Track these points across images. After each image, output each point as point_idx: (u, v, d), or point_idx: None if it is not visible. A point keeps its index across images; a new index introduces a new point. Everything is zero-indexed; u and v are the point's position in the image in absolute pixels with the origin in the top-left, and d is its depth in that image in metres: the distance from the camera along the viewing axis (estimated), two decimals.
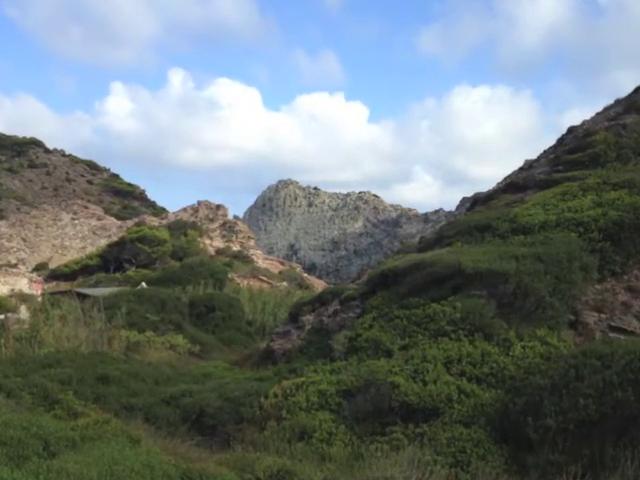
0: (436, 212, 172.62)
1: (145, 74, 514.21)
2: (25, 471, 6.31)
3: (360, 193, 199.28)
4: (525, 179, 22.26)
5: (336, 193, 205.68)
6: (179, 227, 68.40)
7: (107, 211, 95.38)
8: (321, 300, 18.55)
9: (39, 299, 32.58)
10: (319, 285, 62.51)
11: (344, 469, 9.06)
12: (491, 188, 26.79)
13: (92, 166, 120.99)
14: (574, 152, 21.94)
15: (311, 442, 10.16)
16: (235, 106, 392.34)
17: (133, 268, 57.77)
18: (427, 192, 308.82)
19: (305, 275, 74.14)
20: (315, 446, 9.99)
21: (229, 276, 49.74)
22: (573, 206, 16.65)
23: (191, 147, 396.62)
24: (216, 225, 76.05)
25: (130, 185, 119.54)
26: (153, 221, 77.01)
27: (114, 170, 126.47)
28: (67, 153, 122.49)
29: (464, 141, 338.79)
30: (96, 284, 49.49)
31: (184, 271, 44.44)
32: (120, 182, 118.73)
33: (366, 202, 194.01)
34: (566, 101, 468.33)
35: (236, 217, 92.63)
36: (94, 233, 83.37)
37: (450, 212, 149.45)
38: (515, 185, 22.14)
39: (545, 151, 26.58)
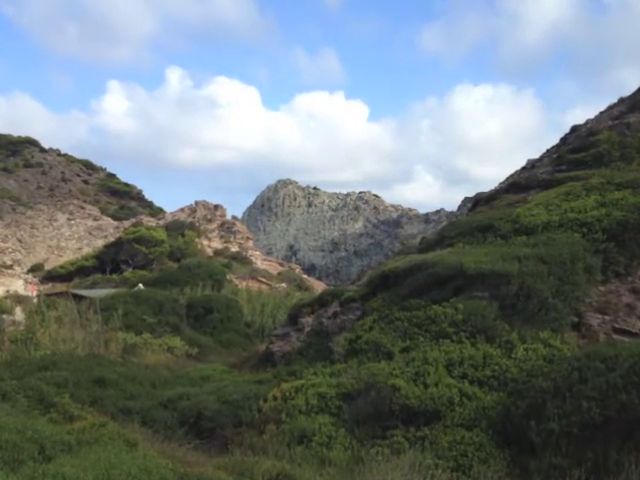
0: (437, 212, 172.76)
1: (142, 72, 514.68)
2: (20, 475, 6.31)
3: (360, 193, 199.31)
4: (528, 179, 22.28)
5: (336, 193, 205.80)
6: (177, 228, 68.42)
7: (103, 211, 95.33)
8: (321, 302, 18.55)
9: (35, 301, 32.57)
10: (319, 286, 62.50)
11: (344, 473, 9.06)
12: (493, 188, 26.84)
13: (88, 166, 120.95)
14: (577, 151, 21.96)
15: (311, 446, 10.16)
16: (234, 105, 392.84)
17: (130, 269, 57.79)
18: (428, 192, 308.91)
19: (304, 276, 74.18)
20: (315, 450, 9.99)
21: (227, 277, 49.76)
22: (576, 206, 16.66)
23: (189, 146, 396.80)
24: (214, 226, 76.05)
25: (127, 185, 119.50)
26: (150, 221, 77.01)
27: (111, 170, 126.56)
28: (63, 152, 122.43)
29: (466, 140, 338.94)
30: (92, 285, 49.52)
31: (182, 272, 44.46)
32: (117, 182, 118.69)
33: (366, 202, 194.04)
34: (569, 100, 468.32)
35: (234, 217, 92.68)
36: (90, 234, 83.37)
37: (451, 212, 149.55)
38: (517, 185, 22.15)
39: (548, 150, 26.63)
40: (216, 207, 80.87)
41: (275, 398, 12.08)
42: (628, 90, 26.34)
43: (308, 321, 17.77)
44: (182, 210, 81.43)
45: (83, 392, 12.91)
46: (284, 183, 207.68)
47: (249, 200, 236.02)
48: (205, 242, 69.22)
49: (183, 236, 65.64)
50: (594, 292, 13.66)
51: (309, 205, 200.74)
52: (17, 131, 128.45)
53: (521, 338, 12.03)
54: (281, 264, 78.54)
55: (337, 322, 16.19)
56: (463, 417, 10.09)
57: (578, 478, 7.91)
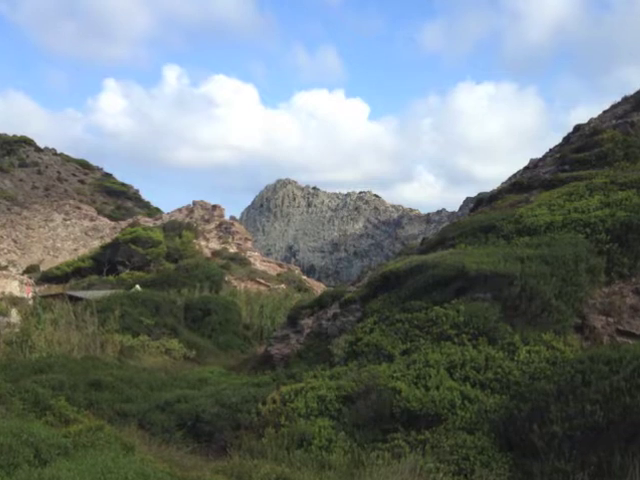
0: (439, 212, 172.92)
1: (139, 70, 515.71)
2: (16, 479, 6.32)
3: (360, 193, 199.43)
4: (530, 179, 22.28)
5: (336, 193, 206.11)
6: (174, 228, 68.37)
7: (100, 211, 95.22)
8: (320, 303, 18.56)
9: (30, 302, 32.55)
10: (318, 288, 62.51)
11: (344, 477, 9.06)
12: (495, 188, 26.84)
13: (84, 165, 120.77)
14: (581, 151, 21.98)
15: (310, 449, 10.15)
16: (232, 103, 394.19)
17: (127, 270, 57.72)
18: (429, 192, 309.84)
19: (304, 277, 74.12)
20: (314, 453, 9.99)
21: (225, 279, 49.79)
22: (580, 206, 16.67)
23: (186, 145, 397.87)
24: (212, 226, 75.98)
25: (123, 185, 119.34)
26: (147, 222, 76.99)
27: (107, 169, 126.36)
28: (58, 152, 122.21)
29: (467, 139, 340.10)
30: (89, 287, 49.45)
31: (179, 273, 44.49)
32: (113, 182, 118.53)
33: (366, 202, 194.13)
34: (572, 98, 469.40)
35: (233, 218, 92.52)
36: (86, 234, 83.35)
37: (453, 212, 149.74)
38: (520, 185, 22.15)
39: (551, 150, 26.63)
40: (214, 207, 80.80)
41: (274, 401, 12.08)
42: (632, 88, 26.38)
43: (307, 323, 17.78)
44: (179, 210, 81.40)
45: (79, 395, 12.91)
46: (283, 183, 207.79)
47: (247, 200, 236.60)
48: (203, 243, 69.15)
49: (180, 237, 65.60)
50: (598, 293, 13.67)
51: (308, 205, 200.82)
52: (12, 130, 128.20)
53: (524, 340, 12.03)
54: (280, 265, 78.47)
55: (337, 324, 16.20)
56: (465, 420, 10.09)
57: None
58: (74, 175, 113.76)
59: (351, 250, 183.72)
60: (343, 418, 11.05)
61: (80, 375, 14.62)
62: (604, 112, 26.38)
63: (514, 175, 28.47)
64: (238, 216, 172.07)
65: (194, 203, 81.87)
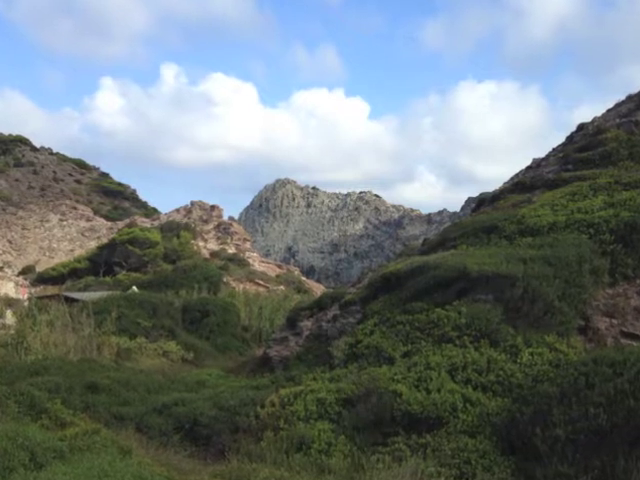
0: (440, 213, 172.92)
1: (136, 69, 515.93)
2: None
3: (361, 193, 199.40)
4: (533, 178, 22.29)
5: (336, 193, 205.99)
6: (172, 229, 68.35)
7: (96, 212, 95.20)
8: (320, 305, 18.56)
9: (26, 304, 32.51)
10: (318, 289, 62.52)
11: None
12: (497, 188, 26.85)
13: (81, 165, 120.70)
14: (584, 150, 21.98)
15: (310, 453, 10.15)
16: (230, 102, 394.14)
17: (124, 271, 57.71)
18: (430, 192, 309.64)
19: (303, 279, 74.07)
20: (314, 457, 9.99)
21: (224, 280, 49.77)
22: (583, 207, 16.68)
23: (184, 145, 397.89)
24: (210, 226, 75.96)
25: (120, 185, 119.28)
26: (144, 222, 76.94)
27: (104, 169, 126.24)
28: (55, 151, 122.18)
29: (469, 139, 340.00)
30: (85, 288, 49.44)
31: (177, 274, 44.50)
32: (110, 181, 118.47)
33: (367, 202, 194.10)
34: (576, 97, 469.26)
35: (231, 218, 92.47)
36: (83, 235, 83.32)
37: (455, 213, 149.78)
38: (522, 185, 22.16)
39: (554, 149, 26.64)
40: (212, 207, 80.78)
41: (273, 404, 12.08)
42: (636, 87, 26.43)
43: (307, 325, 17.78)
44: (177, 211, 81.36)
45: (75, 398, 12.91)
46: (282, 183, 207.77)
47: (246, 200, 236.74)
48: (201, 243, 69.14)
49: (178, 237, 65.57)
50: (601, 295, 13.67)
51: (308, 205, 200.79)
52: (8, 129, 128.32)
53: (526, 342, 12.04)
54: (279, 266, 78.44)
55: (337, 326, 16.20)
56: (466, 424, 10.09)
57: None
58: (70, 175, 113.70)
59: (351, 251, 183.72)
60: (343, 421, 11.04)
61: (76, 378, 14.61)
62: (608, 111, 26.39)
63: (516, 175, 28.51)
64: (237, 216, 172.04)
65: (192, 203, 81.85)
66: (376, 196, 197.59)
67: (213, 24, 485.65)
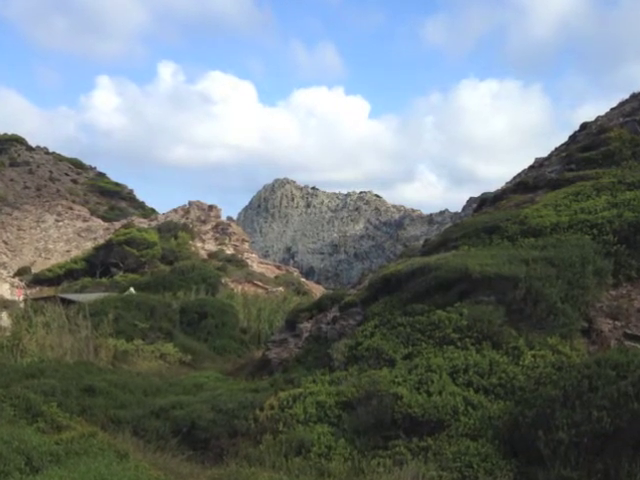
0: (441, 213, 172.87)
1: (133, 67, 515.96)
2: None
3: (361, 193, 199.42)
4: (535, 178, 22.30)
5: (335, 193, 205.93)
6: (169, 229, 68.45)
7: (93, 212, 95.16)
8: (320, 306, 18.56)
9: (21, 305, 32.53)
10: (317, 290, 62.49)
11: None
12: (499, 188, 26.90)
13: (77, 164, 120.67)
14: (587, 150, 22.00)
15: (309, 457, 10.15)
16: (228, 101, 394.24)
17: (121, 272, 57.75)
18: (432, 192, 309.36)
19: (303, 280, 74.06)
20: (313, 461, 9.99)
21: (222, 281, 49.78)
22: (586, 207, 16.68)
23: (182, 144, 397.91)
24: (208, 227, 76.01)
25: (117, 184, 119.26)
26: (142, 223, 77.00)
27: (100, 169, 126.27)
28: (51, 151, 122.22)
29: (471, 138, 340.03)
30: (81, 289, 49.46)
31: (174, 276, 44.50)
32: (107, 181, 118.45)
33: (367, 202, 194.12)
34: (579, 96, 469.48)
35: (230, 218, 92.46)
36: (79, 235, 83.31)
37: (456, 213, 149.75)
38: (525, 185, 22.17)
39: (557, 149, 26.68)
40: (210, 208, 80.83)
41: (272, 407, 12.07)
42: None
43: (306, 327, 17.79)
44: (175, 211, 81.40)
45: (72, 401, 12.91)
46: (281, 183, 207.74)
47: (245, 200, 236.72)
48: (199, 244, 69.20)
49: (176, 238, 65.64)
50: (605, 296, 13.67)
51: (307, 206, 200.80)
52: (3, 128, 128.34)
53: (529, 344, 12.04)
54: (278, 267, 78.49)
55: (337, 328, 16.20)
56: (468, 427, 10.09)
57: None
58: (66, 175, 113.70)
59: (351, 252, 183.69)
60: (343, 424, 11.04)
61: (73, 380, 14.61)
62: (611, 110, 26.42)
63: (519, 175, 28.54)
64: (235, 217, 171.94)
65: (190, 203, 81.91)
66: (376, 196, 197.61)
67: (211, 21, 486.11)
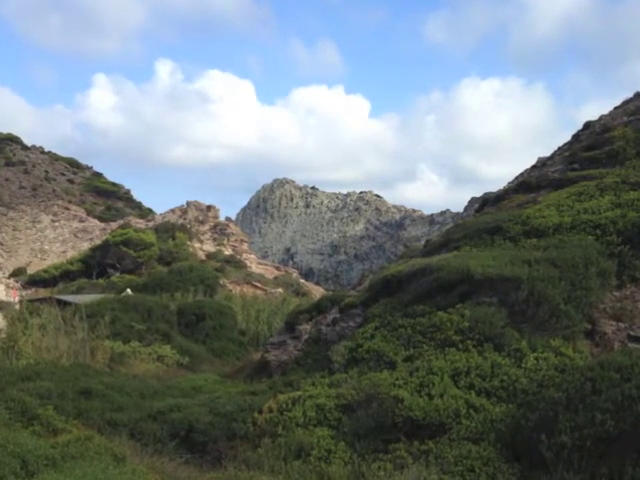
0: (442, 213, 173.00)
1: (130, 65, 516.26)
2: None
3: (361, 193, 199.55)
4: (538, 178, 22.31)
5: (335, 193, 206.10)
6: (167, 229, 68.40)
7: (89, 212, 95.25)
8: (319, 308, 18.56)
9: (17, 307, 32.52)
10: (317, 292, 62.51)
11: None
12: (502, 188, 26.92)
13: (73, 164, 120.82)
14: (591, 149, 22.01)
15: (309, 460, 10.15)
16: (227, 100, 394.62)
17: (117, 273, 57.73)
18: (433, 192, 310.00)
19: (302, 281, 74.14)
20: (313, 465, 9.99)
21: (220, 282, 49.76)
22: (590, 207, 16.69)
23: (180, 143, 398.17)
24: (206, 227, 76.05)
25: (114, 184, 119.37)
26: (139, 223, 77.02)
27: (97, 168, 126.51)
28: (46, 150, 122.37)
29: (472, 137, 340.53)
30: (78, 291, 49.43)
31: (172, 277, 44.42)
32: (103, 181, 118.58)
33: (367, 203, 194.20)
34: (582, 94, 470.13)
35: (228, 219, 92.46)
36: (75, 236, 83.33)
37: (457, 213, 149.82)
38: (527, 185, 22.18)
39: (559, 148, 26.68)
40: (208, 208, 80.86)
41: (271, 410, 12.08)
42: None
43: (306, 328, 17.78)
44: (172, 211, 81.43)
45: (68, 404, 12.90)
46: (280, 182, 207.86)
47: (243, 200, 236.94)
48: (197, 245, 69.19)
49: (173, 238, 65.60)
50: (608, 298, 13.68)
51: (307, 206, 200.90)
52: None
53: (531, 346, 12.04)
54: (277, 268, 78.53)
55: (336, 330, 16.20)
56: (470, 430, 10.09)
57: None
58: (62, 174, 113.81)
59: (351, 252, 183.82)
60: (343, 428, 11.04)
61: (69, 383, 14.60)
62: (615, 108, 26.43)
63: (521, 174, 28.51)
64: (234, 217, 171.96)
65: (188, 203, 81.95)
66: (377, 196, 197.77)
67: (209, 19, 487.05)
